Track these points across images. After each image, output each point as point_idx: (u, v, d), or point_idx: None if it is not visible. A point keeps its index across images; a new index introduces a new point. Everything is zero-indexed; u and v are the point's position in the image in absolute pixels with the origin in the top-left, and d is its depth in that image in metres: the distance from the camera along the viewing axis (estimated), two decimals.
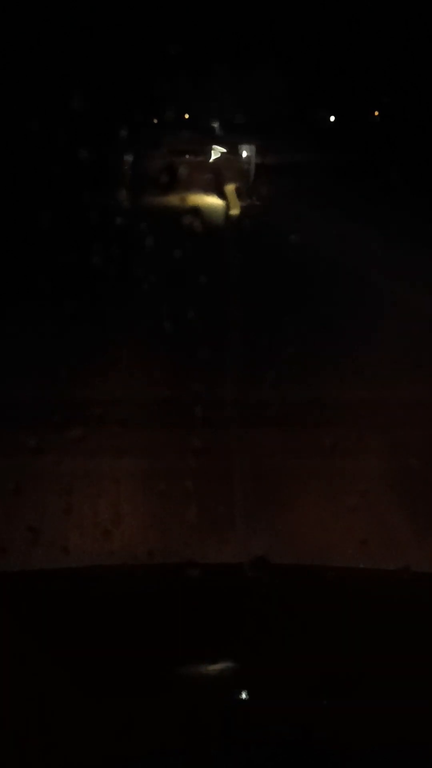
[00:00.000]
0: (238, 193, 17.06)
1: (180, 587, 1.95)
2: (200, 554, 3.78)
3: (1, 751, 1.48)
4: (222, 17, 30.47)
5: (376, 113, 29.19)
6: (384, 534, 4.28)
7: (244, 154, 23.65)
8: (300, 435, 5.32)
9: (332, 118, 30.22)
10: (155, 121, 25.99)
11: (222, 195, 17.16)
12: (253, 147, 23.39)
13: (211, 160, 21.86)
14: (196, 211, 13.01)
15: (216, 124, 25.68)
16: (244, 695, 1.70)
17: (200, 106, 26.95)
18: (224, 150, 22.82)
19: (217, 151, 22.57)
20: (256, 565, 2.10)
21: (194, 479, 4.45)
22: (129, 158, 16.81)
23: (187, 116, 27.80)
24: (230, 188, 17.37)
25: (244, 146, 23.64)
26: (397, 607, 1.89)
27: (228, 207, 16.12)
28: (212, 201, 16.60)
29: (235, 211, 15.70)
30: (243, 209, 15.93)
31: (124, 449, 5.03)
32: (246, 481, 4.81)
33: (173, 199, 13.75)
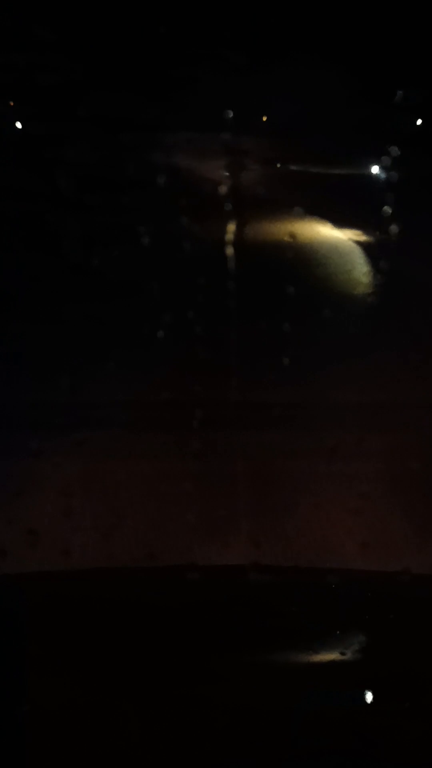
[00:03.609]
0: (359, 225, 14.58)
1: (181, 589, 1.95)
2: (201, 556, 3.77)
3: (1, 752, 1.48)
4: (299, 23, 30.52)
5: None
6: (385, 536, 4.27)
7: (374, 170, 21.59)
8: None
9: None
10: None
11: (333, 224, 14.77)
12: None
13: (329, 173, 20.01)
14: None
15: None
16: (245, 697, 1.70)
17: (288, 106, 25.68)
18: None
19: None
20: (257, 567, 2.10)
21: (195, 481, 4.44)
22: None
23: (265, 118, 26.94)
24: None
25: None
26: (397, 609, 1.89)
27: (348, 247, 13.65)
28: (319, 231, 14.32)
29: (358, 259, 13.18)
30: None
31: (125, 451, 5.02)
32: (247, 482, 4.81)
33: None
